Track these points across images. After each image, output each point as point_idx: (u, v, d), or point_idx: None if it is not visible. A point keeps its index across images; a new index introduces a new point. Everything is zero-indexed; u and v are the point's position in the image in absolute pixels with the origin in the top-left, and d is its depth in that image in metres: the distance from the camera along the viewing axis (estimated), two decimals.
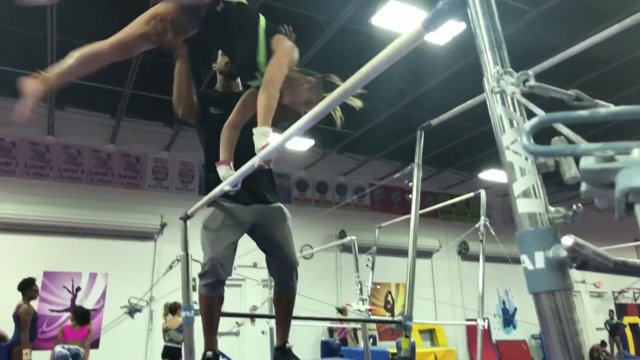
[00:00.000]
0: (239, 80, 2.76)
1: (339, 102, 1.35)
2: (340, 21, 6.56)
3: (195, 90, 2.60)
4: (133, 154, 10.24)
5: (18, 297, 6.09)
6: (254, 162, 1.80)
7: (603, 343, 13.03)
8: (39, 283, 8.72)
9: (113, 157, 10.07)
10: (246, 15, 2.17)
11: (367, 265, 6.19)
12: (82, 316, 6.51)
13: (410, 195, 3.19)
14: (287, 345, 2.44)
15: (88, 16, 6.65)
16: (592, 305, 14.32)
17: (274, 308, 2.65)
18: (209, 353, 2.32)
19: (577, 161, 0.66)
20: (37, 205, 8.89)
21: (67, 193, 9.35)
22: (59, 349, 5.73)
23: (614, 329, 13.21)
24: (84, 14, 6.59)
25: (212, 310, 2.36)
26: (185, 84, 2.49)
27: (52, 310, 8.80)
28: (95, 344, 8.12)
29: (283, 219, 2.54)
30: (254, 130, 1.89)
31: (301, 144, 10.17)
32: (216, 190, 2.20)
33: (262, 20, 2.15)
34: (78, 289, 9.12)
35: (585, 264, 0.69)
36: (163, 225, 9.72)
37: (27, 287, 6.15)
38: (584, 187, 0.54)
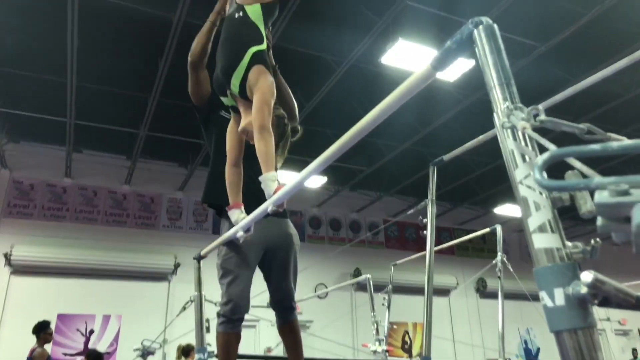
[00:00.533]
0: None
1: (351, 145, 1.34)
2: (351, 61, 6.70)
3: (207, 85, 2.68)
4: (148, 194, 10.35)
5: (32, 340, 6.06)
6: (267, 207, 1.79)
7: None
8: (53, 326, 8.71)
9: (128, 198, 10.18)
10: (250, 33, 2.15)
11: (383, 305, 6.07)
12: (95, 359, 6.44)
13: (424, 232, 3.16)
14: None
15: (106, 61, 6.88)
16: (618, 344, 13.78)
17: (282, 340, 2.62)
18: None
19: (592, 195, 0.65)
20: (53, 247, 8.96)
21: (82, 234, 9.43)
22: None
23: None
24: (103, 59, 6.82)
25: (229, 348, 2.33)
26: (206, 35, 2.55)
27: (65, 354, 8.72)
28: None
29: (291, 247, 2.54)
30: (261, 179, 1.89)
31: (314, 182, 10.21)
32: (229, 234, 2.20)
33: (261, 47, 2.13)
34: (91, 331, 9.05)
35: (607, 301, 0.66)
36: (177, 266, 9.71)
37: (42, 330, 6.12)
38: (599, 221, 0.54)
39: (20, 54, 6.64)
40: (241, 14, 2.18)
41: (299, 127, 2.44)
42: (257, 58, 2.08)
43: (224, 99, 2.22)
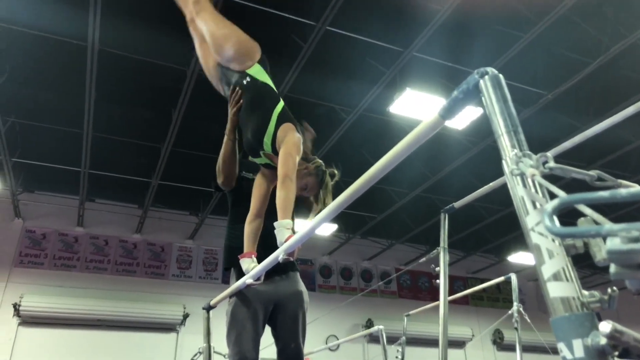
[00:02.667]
0: None
1: (361, 192, 1.35)
2: (359, 110, 6.82)
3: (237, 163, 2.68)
4: (158, 243, 10.35)
5: None
6: (278, 255, 1.79)
7: None
8: None
9: (139, 247, 10.18)
10: (267, 96, 2.30)
11: (396, 357, 5.88)
12: None
13: (437, 281, 3.09)
14: None
15: (121, 112, 7.08)
16: None
17: None
18: None
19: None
20: (62, 297, 8.90)
21: (91, 284, 9.38)
22: None
23: None
24: (118, 110, 7.02)
25: None
26: (231, 157, 2.57)
27: None
28: None
29: (301, 304, 2.50)
30: (275, 224, 1.93)
31: (324, 229, 10.16)
32: (239, 283, 2.18)
33: (280, 104, 2.27)
34: None
35: (627, 352, 0.64)
36: (185, 316, 9.56)
37: None
38: (613, 268, 0.52)
39: (37, 105, 6.86)
40: (248, 79, 2.33)
41: (336, 171, 2.47)
42: (282, 117, 2.23)
43: (257, 160, 2.34)
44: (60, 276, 9.26)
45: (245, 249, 2.32)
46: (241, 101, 2.37)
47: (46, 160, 7.97)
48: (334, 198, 1.43)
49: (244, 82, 2.32)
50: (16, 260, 9.12)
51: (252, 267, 2.15)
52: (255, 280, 2.08)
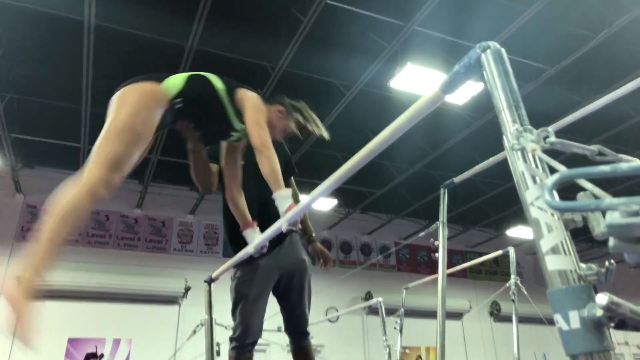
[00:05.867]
0: None
1: (361, 165, 1.35)
2: (360, 85, 6.76)
3: (211, 168, 2.55)
4: (159, 218, 10.41)
5: None
6: (280, 225, 1.79)
7: None
8: (63, 350, 8.69)
9: (140, 222, 10.24)
10: (202, 90, 2.08)
11: (395, 328, 5.98)
12: None
13: (436, 255, 3.12)
14: None
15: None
16: None
17: None
18: None
19: (605, 216, 0.64)
20: (65, 271, 8.99)
21: (94, 258, 9.47)
22: None
23: None
24: (116, 85, 6.96)
25: None
26: (203, 168, 2.46)
27: None
28: None
29: (306, 272, 2.53)
30: (275, 197, 1.89)
31: (324, 204, 10.19)
32: (242, 254, 2.19)
33: (217, 82, 2.08)
34: (101, 356, 9.00)
35: (624, 324, 0.66)
36: (187, 289, 9.68)
37: None
38: (612, 242, 0.53)
39: (35, 81, 6.80)
40: (176, 100, 2.05)
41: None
42: (229, 90, 2.08)
43: (231, 140, 2.23)
44: (62, 251, 9.32)
45: (242, 223, 2.31)
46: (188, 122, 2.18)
47: (46, 136, 7.95)
48: (331, 172, 1.41)
49: (176, 106, 2.03)
50: (18, 235, 9.19)
51: (256, 237, 2.15)
52: (259, 249, 2.06)
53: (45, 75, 6.70)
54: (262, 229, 2.18)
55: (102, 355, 9.00)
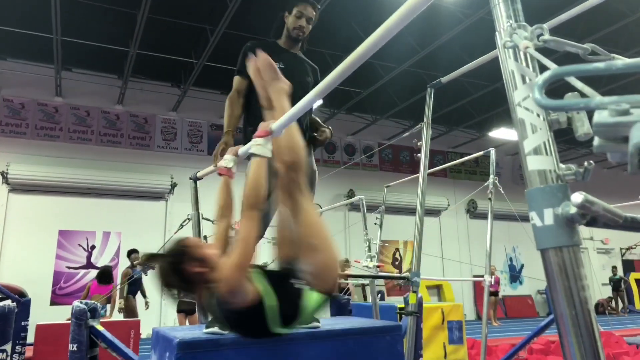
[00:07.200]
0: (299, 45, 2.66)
1: (351, 71, 1.28)
2: None
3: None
4: (141, 114, 10.24)
5: (34, 255, 6.24)
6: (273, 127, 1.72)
7: (609, 298, 13.26)
8: (54, 241, 8.97)
9: (122, 118, 10.07)
10: None
11: (375, 224, 6.23)
12: (101, 275, 6.80)
13: (419, 155, 3.17)
14: None
15: None
16: (600, 262, 14.45)
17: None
18: None
19: (590, 118, 0.65)
20: (49, 166, 9.00)
21: (77, 154, 9.44)
22: (77, 303, 5.93)
23: (617, 285, 13.49)
24: None
25: None
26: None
27: (69, 268, 9.05)
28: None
29: (314, 183, 2.62)
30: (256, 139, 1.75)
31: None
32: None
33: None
34: (93, 247, 9.34)
35: (595, 221, 0.69)
36: (173, 186, 9.83)
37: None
38: (597, 141, 0.54)
39: None
40: None
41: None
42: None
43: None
44: (44, 146, 9.25)
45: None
46: None
47: (16, 25, 7.47)
48: (324, 75, 1.34)
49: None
50: None
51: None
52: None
53: None
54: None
55: (93, 247, 9.33)
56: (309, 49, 2.77)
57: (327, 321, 2.34)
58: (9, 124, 9.15)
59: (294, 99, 1.76)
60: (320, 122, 2.77)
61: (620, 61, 0.54)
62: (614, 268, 13.93)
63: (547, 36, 0.73)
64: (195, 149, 10.55)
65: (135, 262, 7.01)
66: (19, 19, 7.38)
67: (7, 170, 8.73)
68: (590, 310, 0.70)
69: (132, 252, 7.14)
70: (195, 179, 2.97)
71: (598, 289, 13.18)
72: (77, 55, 8.51)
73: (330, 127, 2.72)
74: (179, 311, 6.80)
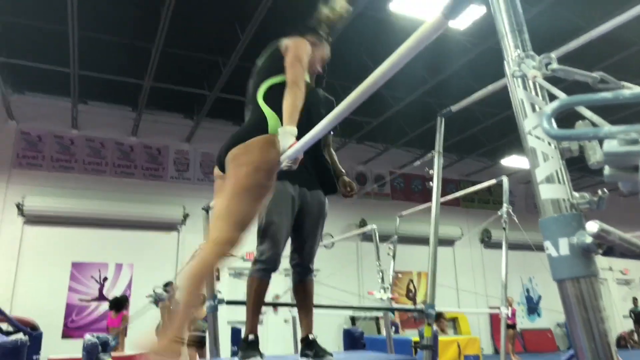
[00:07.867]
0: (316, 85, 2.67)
1: (362, 100, 1.30)
2: (358, 8, 6.49)
3: None
4: (155, 146, 10.38)
5: (47, 287, 6.25)
6: (280, 161, 1.78)
7: (632, 331, 12.83)
8: (67, 273, 9.00)
9: (135, 150, 10.22)
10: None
11: (388, 254, 6.17)
12: (114, 304, 6.79)
13: (431, 183, 3.16)
14: (311, 336, 2.43)
15: (107, 9, 6.73)
16: (620, 293, 14.06)
17: (294, 298, 2.65)
18: (252, 336, 2.29)
19: (601, 145, 0.64)
20: (64, 198, 9.11)
21: (91, 185, 9.55)
22: (88, 337, 5.90)
23: (638, 317, 13.00)
24: (103, 6, 6.67)
25: (261, 294, 2.36)
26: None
27: (81, 300, 9.04)
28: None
29: (323, 215, 2.56)
30: (279, 130, 1.88)
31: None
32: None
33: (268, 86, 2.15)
34: (105, 279, 9.34)
35: (611, 250, 0.67)
36: (186, 216, 9.86)
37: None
38: (607, 170, 0.53)
39: (19, 1, 6.49)
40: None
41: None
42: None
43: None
44: (59, 178, 9.39)
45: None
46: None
47: (35, 60, 7.71)
48: (337, 103, 1.37)
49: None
50: (15, 162, 9.20)
51: (288, 139, 1.90)
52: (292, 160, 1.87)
53: None
54: (315, 172, 2.44)
55: (105, 279, 9.33)
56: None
57: (340, 356, 2.29)
58: (25, 156, 9.33)
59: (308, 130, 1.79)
60: (343, 171, 2.77)
61: (628, 91, 0.54)
62: (635, 300, 13.52)
63: (555, 65, 0.73)
64: (208, 179, 10.63)
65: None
66: (37, 54, 7.61)
67: (23, 202, 8.84)
68: (610, 344, 0.68)
69: (168, 284, 6.99)
70: (207, 210, 2.98)
71: (619, 322, 12.79)
72: (93, 88, 8.72)
73: (355, 183, 2.73)
74: (189, 345, 6.72)
